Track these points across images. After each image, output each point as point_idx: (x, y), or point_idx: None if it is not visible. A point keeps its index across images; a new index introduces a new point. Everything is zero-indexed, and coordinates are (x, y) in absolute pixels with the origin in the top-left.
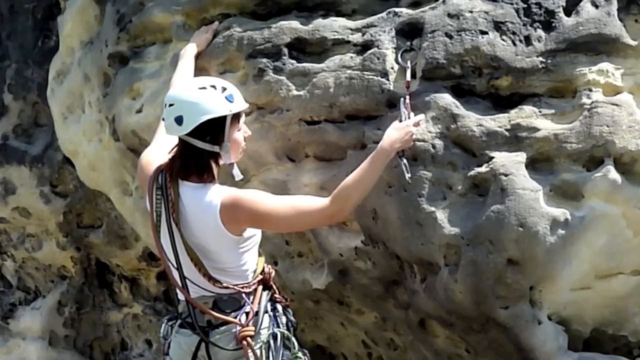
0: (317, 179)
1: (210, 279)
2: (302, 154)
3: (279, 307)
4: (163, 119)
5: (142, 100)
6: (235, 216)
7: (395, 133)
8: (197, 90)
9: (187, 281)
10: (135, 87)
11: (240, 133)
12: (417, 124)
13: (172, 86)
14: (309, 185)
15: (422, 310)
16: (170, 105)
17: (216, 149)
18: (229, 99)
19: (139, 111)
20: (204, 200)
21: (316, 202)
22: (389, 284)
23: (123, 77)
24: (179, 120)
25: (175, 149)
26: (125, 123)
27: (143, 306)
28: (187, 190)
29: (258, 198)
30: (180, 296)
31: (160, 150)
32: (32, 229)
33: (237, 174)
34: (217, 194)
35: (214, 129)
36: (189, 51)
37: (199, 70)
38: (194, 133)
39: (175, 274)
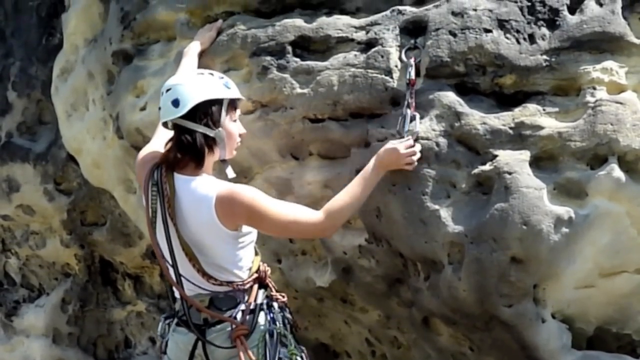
0: (321, 177)
1: (205, 274)
2: (306, 151)
3: (275, 305)
4: (160, 108)
5: (146, 97)
6: (232, 210)
7: (389, 154)
8: (195, 76)
9: (182, 278)
10: (139, 84)
11: (236, 126)
12: (411, 149)
13: None
14: (313, 183)
15: (426, 308)
16: (167, 90)
17: (211, 133)
18: (226, 85)
19: (143, 109)
20: (200, 192)
21: (311, 215)
22: (393, 282)
23: (127, 74)
24: (175, 103)
25: (171, 142)
26: (129, 121)
27: (147, 304)
28: (183, 182)
29: (257, 196)
30: (177, 294)
31: (156, 148)
32: (36, 227)
33: (230, 172)
34: (213, 186)
35: (211, 112)
36: (193, 49)
37: (203, 69)
38: (190, 116)
39: (171, 271)
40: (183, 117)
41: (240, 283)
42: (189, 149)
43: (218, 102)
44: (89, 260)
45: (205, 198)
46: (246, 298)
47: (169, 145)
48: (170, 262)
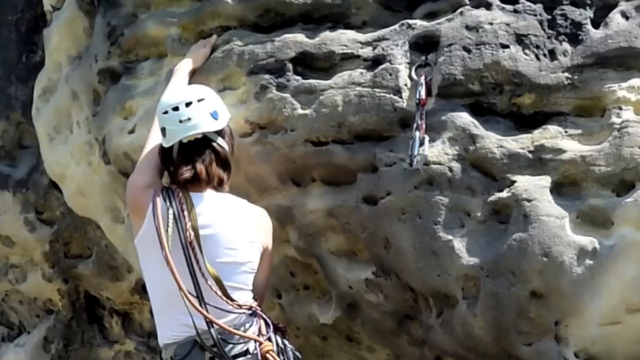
0: (325, 205)
1: (228, 297)
2: (308, 177)
3: (286, 342)
4: (186, 119)
5: (134, 119)
6: (268, 227)
7: None
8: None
9: (208, 306)
10: (128, 105)
11: None
12: None
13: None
14: (316, 211)
15: (438, 347)
16: (201, 100)
17: (229, 153)
18: None
19: (132, 132)
20: (232, 207)
21: None
22: (403, 318)
23: (114, 94)
24: (215, 115)
25: (182, 161)
26: (117, 144)
27: (136, 342)
28: (209, 200)
29: None
30: (186, 330)
31: (152, 171)
32: (16, 259)
33: None
34: (242, 201)
35: (231, 132)
36: (184, 67)
37: None
38: (220, 131)
39: (194, 301)
40: (217, 131)
41: (257, 304)
42: (225, 163)
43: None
44: (73, 296)
45: (240, 212)
46: (257, 328)
47: (187, 164)
48: (194, 292)
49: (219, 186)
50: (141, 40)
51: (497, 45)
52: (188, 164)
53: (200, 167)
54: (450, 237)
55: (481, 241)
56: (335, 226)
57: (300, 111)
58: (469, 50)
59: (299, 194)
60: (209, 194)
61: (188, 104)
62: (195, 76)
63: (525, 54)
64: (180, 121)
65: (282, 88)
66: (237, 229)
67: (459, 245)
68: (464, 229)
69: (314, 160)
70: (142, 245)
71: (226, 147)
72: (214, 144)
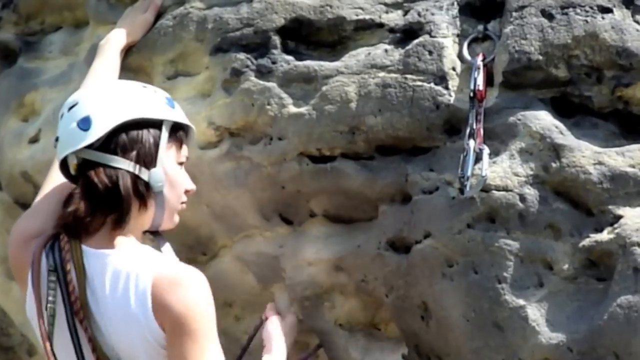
0: (330, 253)
1: None
2: (305, 211)
3: None
4: (57, 139)
5: (38, 122)
6: (166, 302)
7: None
8: (118, 86)
9: None
10: (28, 100)
11: (182, 173)
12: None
13: None
14: (316, 263)
15: None
16: (72, 107)
17: (144, 174)
18: (170, 103)
19: (35, 140)
20: (126, 273)
21: None
22: None
23: (8, 83)
24: (84, 123)
25: (76, 195)
26: (12, 160)
27: None
28: (97, 260)
29: (206, 310)
30: None
31: (46, 212)
32: None
33: (168, 252)
34: (149, 262)
35: (141, 140)
36: (113, 42)
37: (134, 73)
38: (107, 145)
39: None
40: (96, 146)
41: None
42: (106, 199)
43: (153, 125)
44: None
45: (136, 281)
46: None
47: (74, 198)
48: None
49: (115, 234)
50: (49, 0)
51: (594, 8)
52: (73, 201)
53: (71, 207)
54: (522, 301)
55: (569, 308)
56: (345, 285)
57: (293, 109)
58: (550, 17)
59: (290, 236)
60: (111, 251)
61: (61, 115)
62: (131, 56)
63: (637, 21)
64: (57, 139)
65: (265, 74)
66: (129, 308)
67: (536, 314)
68: (543, 290)
69: (313, 184)
70: (33, 321)
71: (122, 166)
72: (91, 172)
